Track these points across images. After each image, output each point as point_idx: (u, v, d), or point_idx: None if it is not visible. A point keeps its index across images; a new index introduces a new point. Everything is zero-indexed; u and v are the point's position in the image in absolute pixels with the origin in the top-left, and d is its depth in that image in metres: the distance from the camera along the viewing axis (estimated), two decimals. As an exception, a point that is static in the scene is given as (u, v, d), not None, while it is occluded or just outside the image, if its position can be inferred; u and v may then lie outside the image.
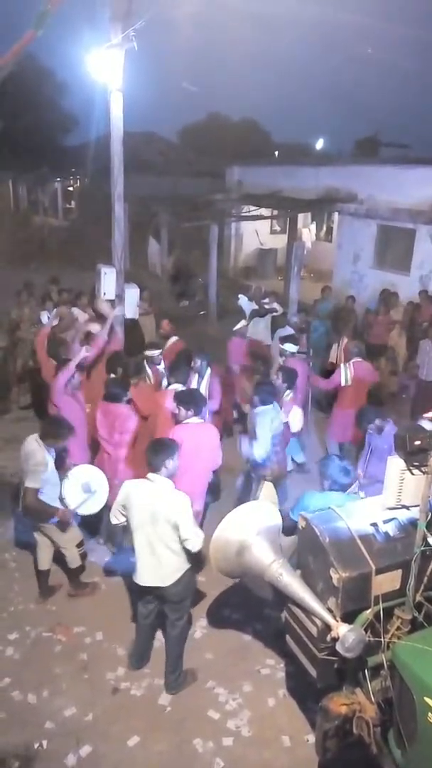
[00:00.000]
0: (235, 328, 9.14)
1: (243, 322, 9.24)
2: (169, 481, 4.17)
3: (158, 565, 4.12)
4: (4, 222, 23.43)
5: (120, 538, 5.64)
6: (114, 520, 4.32)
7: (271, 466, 5.83)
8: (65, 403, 5.97)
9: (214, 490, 6.22)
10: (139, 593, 4.34)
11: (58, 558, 5.26)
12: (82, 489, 5.20)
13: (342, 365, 7.53)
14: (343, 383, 7.36)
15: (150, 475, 4.17)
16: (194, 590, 4.67)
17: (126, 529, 4.33)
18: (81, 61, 7.99)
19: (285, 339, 8.09)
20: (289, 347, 7.74)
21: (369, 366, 7.70)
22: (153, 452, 4.19)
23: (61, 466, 5.21)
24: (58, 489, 5.07)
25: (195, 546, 4.06)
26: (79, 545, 5.24)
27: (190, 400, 5.38)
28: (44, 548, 5.21)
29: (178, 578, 4.15)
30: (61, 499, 5.07)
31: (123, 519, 4.23)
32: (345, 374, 7.36)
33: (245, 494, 6.05)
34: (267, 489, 5.85)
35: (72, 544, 5.17)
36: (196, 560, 4.28)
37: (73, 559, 5.22)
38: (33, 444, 4.88)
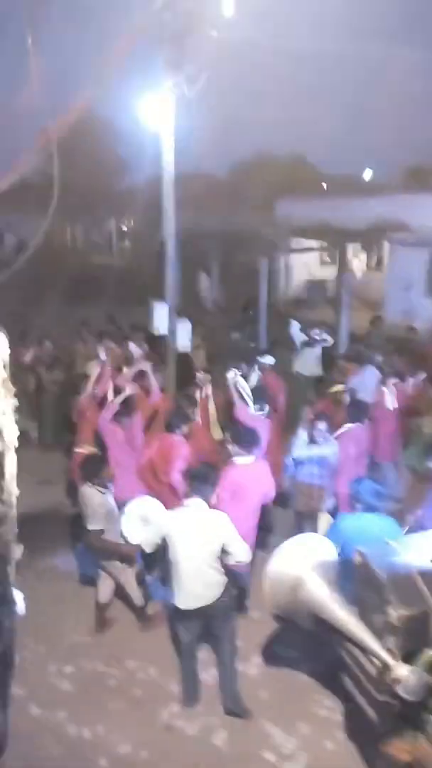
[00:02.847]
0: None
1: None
2: (203, 501, 4.22)
3: (205, 586, 4.14)
4: (63, 262, 24.35)
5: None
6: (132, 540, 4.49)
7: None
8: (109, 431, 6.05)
9: (267, 527, 6.10)
10: (182, 619, 4.31)
11: (119, 593, 5.27)
12: (141, 522, 5.09)
13: (384, 388, 7.19)
14: (390, 408, 7.09)
15: (187, 501, 4.23)
16: (236, 602, 4.62)
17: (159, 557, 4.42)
18: (133, 105, 8.38)
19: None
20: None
21: (403, 384, 7.47)
22: (203, 479, 4.26)
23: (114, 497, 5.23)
24: (119, 525, 5.08)
25: (245, 555, 4.17)
26: (140, 583, 5.23)
27: (239, 438, 5.19)
28: (106, 582, 5.23)
29: (222, 591, 4.18)
30: (123, 537, 5.06)
31: (140, 540, 4.40)
32: (390, 397, 7.09)
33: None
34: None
35: (135, 584, 5.18)
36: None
37: (138, 598, 5.21)
38: (87, 490, 4.98)
